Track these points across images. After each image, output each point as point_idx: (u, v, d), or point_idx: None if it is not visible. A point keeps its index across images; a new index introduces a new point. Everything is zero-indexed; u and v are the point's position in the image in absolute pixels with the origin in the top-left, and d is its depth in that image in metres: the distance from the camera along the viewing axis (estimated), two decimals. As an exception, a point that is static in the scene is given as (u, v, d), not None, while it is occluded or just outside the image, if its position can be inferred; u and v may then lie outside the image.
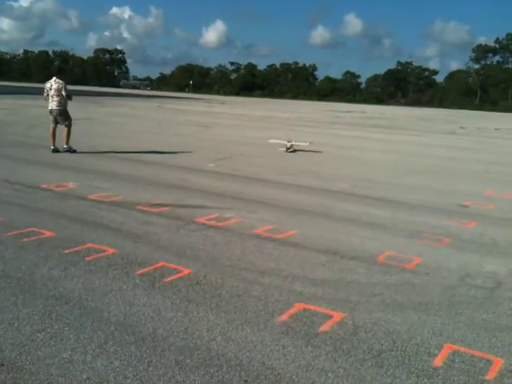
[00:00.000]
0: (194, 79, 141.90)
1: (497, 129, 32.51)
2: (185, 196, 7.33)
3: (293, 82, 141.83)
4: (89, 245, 4.89)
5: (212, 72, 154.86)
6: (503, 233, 6.34)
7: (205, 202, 6.99)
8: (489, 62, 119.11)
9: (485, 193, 9.08)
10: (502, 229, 6.56)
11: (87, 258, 4.54)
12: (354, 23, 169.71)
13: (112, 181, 8.18)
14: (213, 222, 5.97)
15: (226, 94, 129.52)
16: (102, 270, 4.30)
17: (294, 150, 13.72)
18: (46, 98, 10.96)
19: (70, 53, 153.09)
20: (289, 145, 13.79)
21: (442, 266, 4.89)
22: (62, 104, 10.92)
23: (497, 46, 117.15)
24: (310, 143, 14.47)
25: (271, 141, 15.07)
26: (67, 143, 10.80)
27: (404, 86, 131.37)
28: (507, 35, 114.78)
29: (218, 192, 7.78)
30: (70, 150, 10.74)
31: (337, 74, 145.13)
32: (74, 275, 4.15)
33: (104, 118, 23.10)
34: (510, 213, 7.54)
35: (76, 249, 4.77)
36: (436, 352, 3.24)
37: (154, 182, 8.35)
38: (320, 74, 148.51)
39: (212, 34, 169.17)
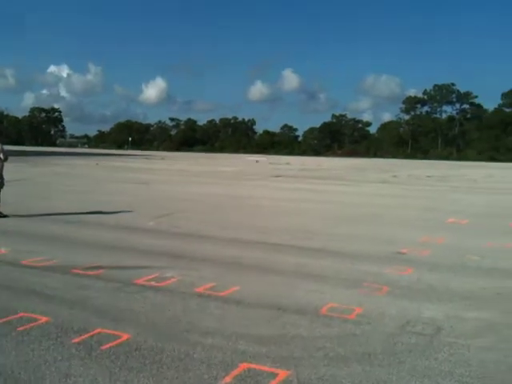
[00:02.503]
0: (133, 136, 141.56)
1: (428, 176, 34.03)
2: (123, 257, 7.15)
3: (233, 136, 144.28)
4: (21, 314, 4.64)
5: (152, 128, 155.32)
6: (439, 278, 6.53)
7: (144, 262, 6.83)
8: (418, 113, 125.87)
9: (420, 239, 9.37)
10: (438, 274, 6.75)
11: (19, 329, 4.29)
12: (290, 78, 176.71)
13: (46, 244, 7.90)
14: (152, 283, 5.83)
15: (166, 149, 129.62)
16: (35, 340, 4.07)
17: None
18: None
19: (4, 112, 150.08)
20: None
21: (382, 314, 4.96)
22: None
23: (425, 97, 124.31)
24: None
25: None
26: (-3, 208, 10.36)
27: (340, 137, 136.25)
28: (434, 86, 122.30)
29: (158, 251, 7.64)
30: (1, 216, 10.30)
31: (275, 127, 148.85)
32: (5, 347, 3.91)
33: (39, 178, 22.50)
34: (445, 258, 7.79)
35: (7, 319, 4.50)
36: (381, 405, 3.24)
37: (91, 243, 8.10)
38: (259, 128, 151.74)
39: (152, 90, 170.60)
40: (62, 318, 4.59)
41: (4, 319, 4.50)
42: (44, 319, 4.53)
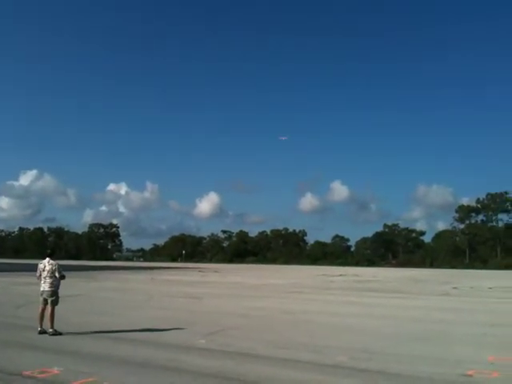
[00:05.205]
0: (186, 249, 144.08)
1: (490, 288, 32.39)
2: (174, 379, 6.94)
3: (284, 247, 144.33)
4: None
5: (204, 241, 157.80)
6: (513, 406, 5.97)
7: (195, 385, 6.61)
8: (473, 222, 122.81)
9: (487, 359, 8.72)
10: (511, 401, 6.19)
11: None
12: (340, 190, 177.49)
13: (98, 364, 7.80)
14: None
15: (218, 261, 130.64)
16: None
17: None
18: (39, 279, 10.95)
19: (65, 229, 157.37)
20: None
21: None
22: (55, 285, 10.86)
23: (478, 205, 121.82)
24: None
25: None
26: (52, 326, 10.48)
27: (393, 247, 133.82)
28: (487, 195, 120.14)
29: (209, 373, 7.38)
30: (56, 333, 10.40)
31: (326, 238, 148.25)
32: None
33: (93, 293, 22.84)
34: (517, 381, 7.18)
35: None
36: None
37: (142, 363, 7.95)
38: (310, 239, 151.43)
39: (205, 204, 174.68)
40: None
41: None
42: None
